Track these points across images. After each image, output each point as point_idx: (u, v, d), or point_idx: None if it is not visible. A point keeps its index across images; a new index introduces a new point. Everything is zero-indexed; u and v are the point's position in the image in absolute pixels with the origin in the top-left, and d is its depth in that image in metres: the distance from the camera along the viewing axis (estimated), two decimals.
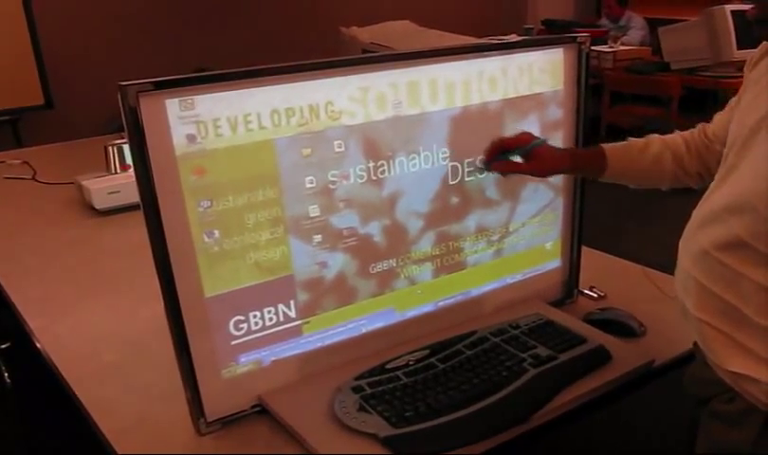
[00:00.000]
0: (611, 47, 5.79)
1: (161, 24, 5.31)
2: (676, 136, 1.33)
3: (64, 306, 1.65)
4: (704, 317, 1.07)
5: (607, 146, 1.33)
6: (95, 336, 1.51)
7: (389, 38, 2.32)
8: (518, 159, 1.30)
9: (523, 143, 1.30)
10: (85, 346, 1.48)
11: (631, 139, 1.34)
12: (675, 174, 1.31)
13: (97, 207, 2.20)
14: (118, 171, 2.34)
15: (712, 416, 1.11)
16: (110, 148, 2.36)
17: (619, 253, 1.84)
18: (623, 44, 6.00)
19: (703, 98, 5.27)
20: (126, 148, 2.31)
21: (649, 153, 1.30)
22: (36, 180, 2.66)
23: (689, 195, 1.22)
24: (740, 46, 4.59)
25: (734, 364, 1.04)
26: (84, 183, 2.25)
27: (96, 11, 5.08)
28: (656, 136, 1.33)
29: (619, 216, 4.52)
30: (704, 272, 1.07)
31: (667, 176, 1.32)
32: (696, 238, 1.10)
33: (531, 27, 6.16)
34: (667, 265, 1.66)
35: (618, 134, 5.41)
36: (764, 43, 1.10)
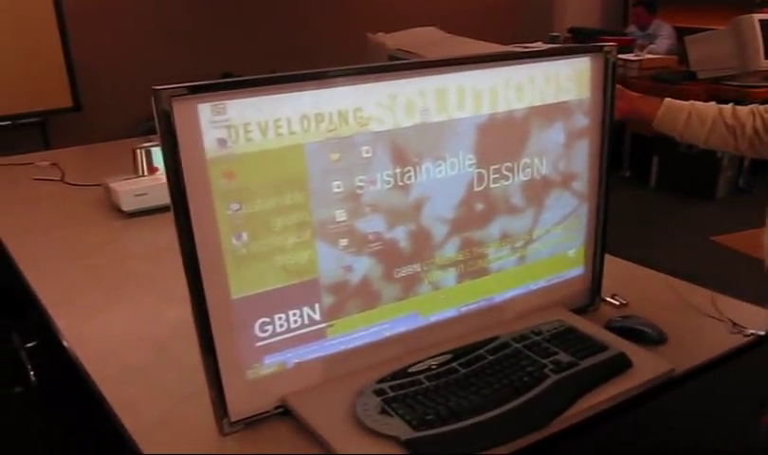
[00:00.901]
0: (637, 56, 5.74)
1: (189, 29, 5.37)
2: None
3: (91, 306, 1.68)
4: None
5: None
6: (120, 337, 1.53)
7: (415, 44, 2.32)
8: None
9: None
10: (111, 346, 1.49)
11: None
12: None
13: (124, 208, 2.22)
14: (146, 173, 2.36)
15: None
16: (138, 151, 2.39)
17: (642, 261, 1.84)
18: (649, 52, 5.94)
19: None
20: (154, 151, 2.35)
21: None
22: (64, 182, 2.69)
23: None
24: (767, 56, 4.55)
25: None
26: (112, 185, 2.27)
27: (124, 16, 5.16)
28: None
29: (642, 224, 4.49)
30: None
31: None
32: None
33: (557, 34, 6.13)
34: (690, 274, 1.67)
35: (643, 142, 5.40)
36: None
